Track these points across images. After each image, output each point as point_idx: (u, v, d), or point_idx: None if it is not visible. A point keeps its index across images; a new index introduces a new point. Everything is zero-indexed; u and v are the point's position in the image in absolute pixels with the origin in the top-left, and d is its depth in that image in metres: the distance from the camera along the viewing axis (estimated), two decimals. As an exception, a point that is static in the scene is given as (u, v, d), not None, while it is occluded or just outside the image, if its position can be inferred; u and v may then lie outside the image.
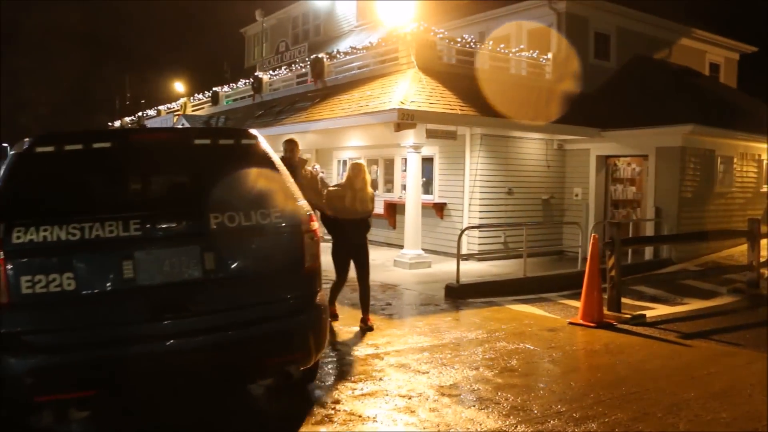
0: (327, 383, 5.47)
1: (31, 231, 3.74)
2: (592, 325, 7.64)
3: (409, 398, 5.11)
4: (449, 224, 13.91)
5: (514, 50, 14.27)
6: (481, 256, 13.09)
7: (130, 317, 3.88)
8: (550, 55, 14.63)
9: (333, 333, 7.07)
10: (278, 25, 26.18)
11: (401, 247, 13.10)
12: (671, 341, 7.01)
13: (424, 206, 14.11)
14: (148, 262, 3.91)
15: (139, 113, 27.73)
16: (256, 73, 18.85)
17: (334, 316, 7.63)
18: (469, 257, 13.21)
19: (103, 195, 4.11)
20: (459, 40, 13.33)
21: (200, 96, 22.43)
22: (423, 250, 12.91)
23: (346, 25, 22.81)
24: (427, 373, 5.79)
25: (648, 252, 13.22)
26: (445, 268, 12.04)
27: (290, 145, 8.34)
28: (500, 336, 7.19)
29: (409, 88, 11.70)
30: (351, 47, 14.95)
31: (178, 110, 23.48)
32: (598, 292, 7.76)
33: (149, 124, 25.18)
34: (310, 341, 4.28)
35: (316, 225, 4.53)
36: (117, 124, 30.43)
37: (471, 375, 5.72)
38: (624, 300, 9.30)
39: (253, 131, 4.62)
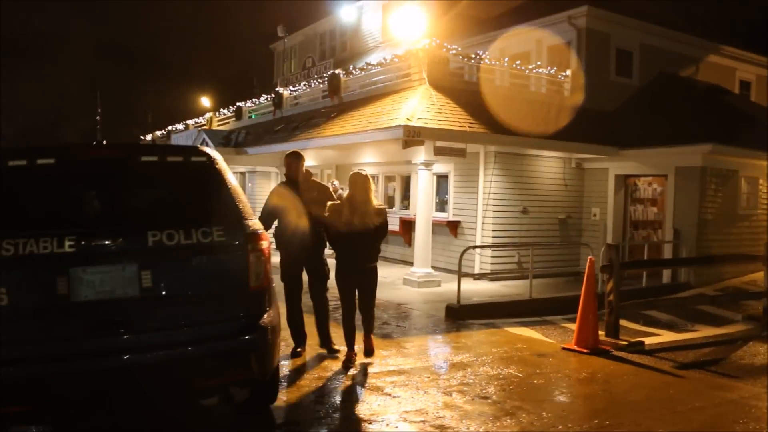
0: (291, 404, 5.34)
1: None
2: (585, 351, 7.35)
3: (370, 423, 4.94)
4: (463, 243, 13.66)
5: (530, 67, 14.05)
6: (494, 276, 12.82)
7: (63, 334, 3.82)
8: (568, 72, 14.35)
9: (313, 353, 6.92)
10: (306, 41, 26.38)
11: (418, 264, 12.88)
12: (664, 371, 6.68)
13: (439, 224, 13.98)
14: (83, 279, 3.86)
15: (169, 127, 28.17)
16: (276, 89, 18.95)
17: (332, 351, 6.98)
18: (481, 277, 13.00)
19: (42, 211, 4.06)
20: (473, 56, 13.17)
21: (225, 111, 22.66)
22: (437, 268, 12.73)
23: (371, 42, 22.83)
24: (398, 397, 5.61)
25: (666, 275, 12.80)
26: (456, 287, 11.80)
27: (288, 160, 8.00)
28: (486, 360, 6.95)
29: (418, 105, 11.58)
30: (366, 63, 14.92)
31: (204, 125, 23.77)
32: (593, 316, 7.46)
33: (176, 137, 25.55)
34: (251, 363, 4.15)
35: (265, 244, 4.41)
36: (149, 137, 30.97)
37: (441, 401, 5.52)
38: (629, 325, 9.04)
39: (206, 149, 4.54)
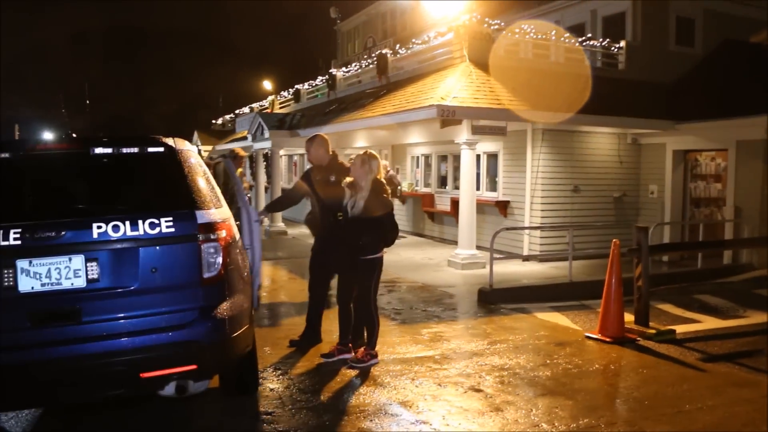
0: (279, 392, 5.30)
1: None
2: (607, 339, 6.96)
3: (349, 414, 4.83)
4: (512, 223, 13.30)
5: (581, 39, 13.39)
6: (544, 257, 12.40)
7: (9, 324, 3.87)
8: (623, 44, 13.59)
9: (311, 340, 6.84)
10: (368, 21, 26.22)
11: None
12: (687, 364, 6.23)
13: (488, 204, 13.65)
14: (29, 270, 3.91)
15: (236, 111, 28.69)
16: (330, 70, 18.92)
17: (305, 340, 6.69)
18: (529, 258, 12.61)
19: None
20: (518, 31, 12.67)
21: (285, 94, 22.86)
22: (486, 249, 12.40)
23: (429, 19, 22.39)
24: (390, 387, 5.48)
25: (727, 256, 12.01)
26: (503, 269, 11.48)
27: (306, 145, 7.73)
28: (499, 349, 6.70)
29: (456, 83, 11.25)
30: (412, 41, 14.63)
31: (267, 107, 24.07)
32: (616, 304, 7.05)
33: (240, 121, 25.99)
34: (204, 355, 4.09)
35: (223, 234, 4.32)
36: (219, 121, 31.69)
37: (432, 393, 5.34)
38: (672, 310, 8.61)
39: (168, 140, 4.48)
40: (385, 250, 6.17)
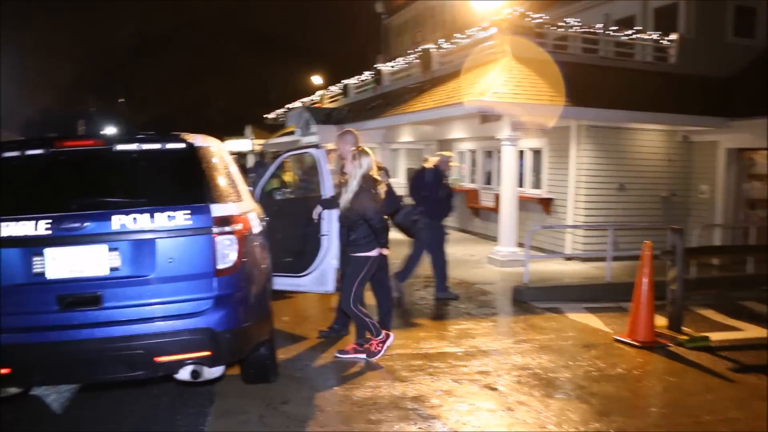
0: (298, 379, 5.37)
1: None
2: (636, 344, 6.78)
3: (367, 406, 4.86)
4: (555, 221, 13.07)
5: (630, 32, 13.03)
6: (586, 257, 12.15)
7: (39, 308, 4.12)
8: (675, 36, 13.16)
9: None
10: (417, 16, 26.15)
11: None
12: (715, 373, 5.98)
13: (531, 201, 13.45)
14: (56, 258, 4.13)
15: (288, 106, 29.02)
16: (376, 65, 18.94)
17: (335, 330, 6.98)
18: (572, 257, 12.38)
19: (26, 197, 4.36)
20: (562, 24, 12.42)
21: (334, 88, 23.00)
22: (532, 248, 12.22)
23: (476, 14, 22.14)
24: (407, 381, 5.48)
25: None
26: (543, 267, 11.35)
27: (337, 140, 7.69)
28: (523, 348, 6.61)
29: (496, 79, 11.10)
30: (455, 36, 14.50)
31: (317, 102, 24.29)
32: (646, 307, 6.85)
33: (291, 116, 26.26)
34: (217, 342, 4.23)
35: (239, 227, 4.41)
36: (271, 116, 32.10)
37: (447, 389, 5.31)
38: (714, 316, 8.28)
39: (189, 137, 4.60)
40: (384, 251, 6.08)
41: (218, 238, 4.29)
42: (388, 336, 6.18)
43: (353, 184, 5.82)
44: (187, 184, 4.42)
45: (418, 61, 16.16)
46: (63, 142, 4.45)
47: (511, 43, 11.86)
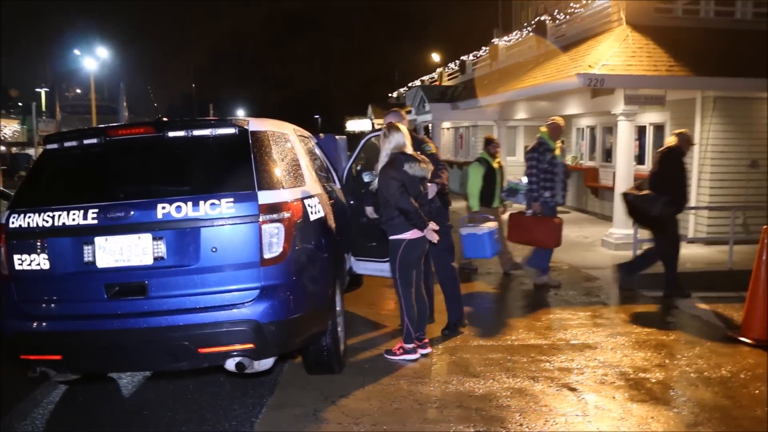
0: (351, 376, 5.25)
1: (20, 217, 4.27)
2: (749, 342, 6.07)
3: (429, 402, 4.66)
4: (677, 201, 12.09)
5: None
6: (711, 240, 11.17)
7: (88, 296, 4.23)
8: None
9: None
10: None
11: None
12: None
13: (653, 180, 12.51)
14: (104, 247, 4.20)
15: (410, 84, 28.90)
16: (492, 40, 18.33)
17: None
18: (694, 240, 11.42)
19: (79, 186, 4.46)
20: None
21: (452, 66, 22.60)
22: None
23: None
24: (480, 376, 5.21)
25: None
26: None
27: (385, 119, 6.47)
28: (617, 342, 6.12)
29: (608, 49, 10.37)
30: (571, 5, 13.69)
31: (436, 80, 23.99)
32: (764, 301, 6.12)
33: (409, 94, 26.12)
34: (261, 335, 4.14)
35: (287, 215, 4.30)
36: (394, 95, 32.15)
37: (520, 387, 4.98)
38: None
39: (242, 121, 4.53)
40: (423, 232, 5.43)
41: (265, 227, 4.19)
42: (415, 350, 5.62)
43: (380, 162, 5.47)
44: (235, 171, 4.34)
45: (532, 34, 15.47)
46: (116, 131, 4.51)
47: (627, 10, 11.01)
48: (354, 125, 33.07)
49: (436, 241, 5.56)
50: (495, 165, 9.17)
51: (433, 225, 5.47)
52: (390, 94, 34.07)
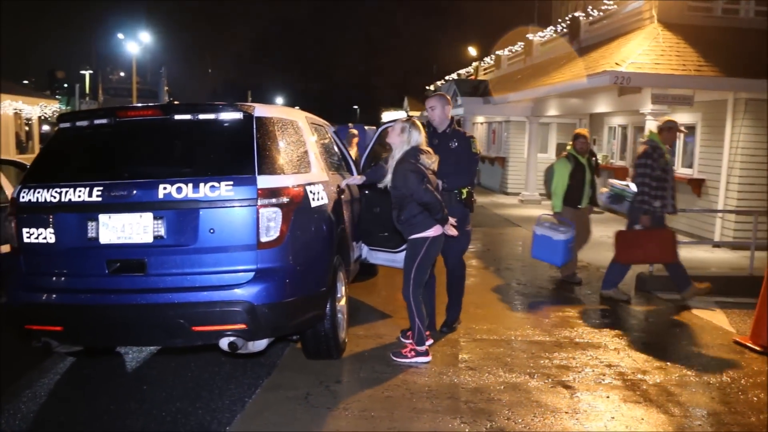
0: (349, 362, 5.32)
1: (30, 192, 4.44)
2: (757, 348, 5.98)
3: (414, 393, 4.71)
4: (705, 204, 11.92)
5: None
6: (737, 244, 10.95)
7: (90, 271, 4.39)
8: None
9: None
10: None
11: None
12: None
13: (681, 181, 12.30)
14: (107, 224, 4.35)
15: (447, 77, 28.81)
16: (527, 36, 18.17)
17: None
18: (720, 244, 11.21)
19: (84, 164, 4.63)
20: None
21: (488, 60, 22.47)
22: (678, 232, 11.25)
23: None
24: (477, 370, 5.23)
25: None
26: (686, 254, 10.34)
27: (427, 104, 6.43)
28: (622, 343, 6.08)
29: (637, 47, 10.23)
30: (606, 1, 13.49)
31: (472, 74, 23.87)
32: (775, 307, 6.03)
33: (444, 87, 26.04)
34: (254, 316, 4.23)
35: (286, 200, 4.38)
36: (431, 87, 32.08)
37: (514, 383, 5.00)
38: None
39: (248, 106, 4.61)
40: (449, 230, 5.32)
41: (262, 210, 4.27)
42: (427, 353, 5.45)
43: (394, 160, 5.26)
44: (238, 155, 4.42)
45: (566, 30, 15.30)
46: (125, 112, 4.64)
47: (659, 8, 10.84)
48: (389, 117, 33.19)
49: (455, 235, 5.42)
50: (583, 161, 8.47)
51: (452, 219, 5.36)
52: (427, 87, 34.00)
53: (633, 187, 7.52)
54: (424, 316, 5.47)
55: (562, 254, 7.82)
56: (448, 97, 6.29)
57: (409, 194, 5.13)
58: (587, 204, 8.61)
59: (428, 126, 6.11)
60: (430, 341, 5.78)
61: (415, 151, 5.23)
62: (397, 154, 5.26)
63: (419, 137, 5.28)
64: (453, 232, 5.37)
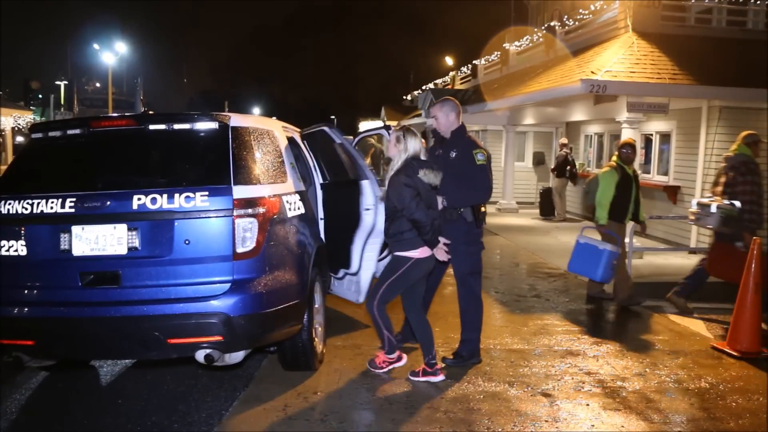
0: (327, 374, 5.26)
1: (0, 204, 4.36)
2: (735, 353, 6.02)
3: (393, 403, 4.65)
4: (681, 211, 12.01)
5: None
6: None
7: (63, 283, 4.29)
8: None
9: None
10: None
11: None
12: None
13: (657, 188, 12.48)
14: (80, 236, 4.27)
15: (424, 87, 28.90)
16: (504, 45, 18.30)
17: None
18: (696, 251, 11.31)
19: (57, 175, 4.53)
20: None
21: (465, 69, 22.58)
22: (652, 238, 11.36)
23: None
24: (457, 380, 5.20)
25: None
26: (663, 261, 10.54)
27: (433, 111, 5.95)
28: (601, 351, 6.09)
29: (612, 56, 10.33)
30: (580, 11, 13.64)
31: (449, 84, 23.97)
32: (751, 312, 6.07)
33: (420, 97, 26.12)
34: (231, 328, 4.17)
35: (262, 210, 4.33)
36: (408, 97, 32.17)
37: (493, 391, 4.97)
38: None
39: (223, 116, 4.56)
40: (438, 253, 5.05)
41: (238, 221, 4.22)
42: (400, 358, 5.37)
43: (392, 170, 5.03)
44: (213, 165, 4.38)
45: (541, 40, 15.43)
46: (99, 122, 4.57)
47: (633, 18, 10.96)
48: (366, 126, 33.20)
49: (446, 260, 5.18)
50: (630, 173, 7.94)
51: (444, 240, 5.10)
52: (405, 97, 34.08)
53: (738, 206, 7.05)
54: (391, 324, 5.28)
55: (603, 268, 7.40)
56: (455, 101, 5.70)
57: (401, 208, 4.91)
58: (635, 219, 8.14)
59: (435, 134, 5.78)
60: (404, 360, 5.47)
61: (414, 164, 5.00)
62: (395, 164, 5.04)
63: (417, 145, 5.02)
64: (443, 256, 5.09)
